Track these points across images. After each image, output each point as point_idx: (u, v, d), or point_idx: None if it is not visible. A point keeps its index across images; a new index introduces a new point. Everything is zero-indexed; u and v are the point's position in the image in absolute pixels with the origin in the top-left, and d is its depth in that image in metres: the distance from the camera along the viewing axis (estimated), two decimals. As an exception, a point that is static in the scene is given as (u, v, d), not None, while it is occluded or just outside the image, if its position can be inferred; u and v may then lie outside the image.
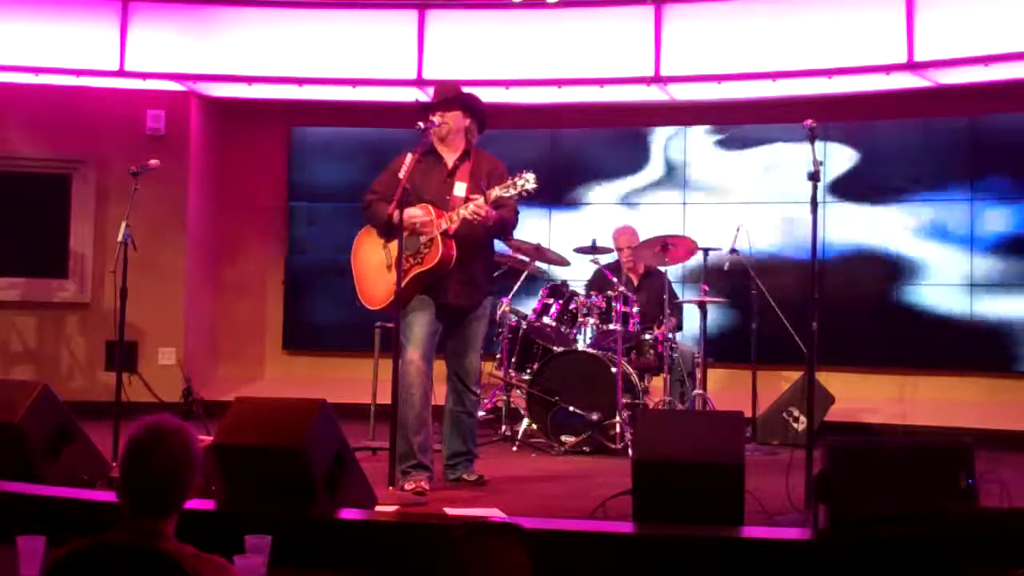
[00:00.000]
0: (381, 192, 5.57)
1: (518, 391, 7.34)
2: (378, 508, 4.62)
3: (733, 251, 7.48)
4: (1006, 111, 8.04)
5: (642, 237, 7.67)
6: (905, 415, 7.97)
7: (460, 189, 5.57)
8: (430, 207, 5.48)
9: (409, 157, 5.49)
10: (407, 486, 5.23)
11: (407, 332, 5.43)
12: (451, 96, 5.68)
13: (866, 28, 7.77)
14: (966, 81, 7.83)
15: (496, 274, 6.26)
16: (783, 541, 3.96)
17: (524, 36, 8.47)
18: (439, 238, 5.41)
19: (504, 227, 5.64)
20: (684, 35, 8.19)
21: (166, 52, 8.54)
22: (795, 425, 7.44)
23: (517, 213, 5.69)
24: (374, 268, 5.61)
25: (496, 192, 5.39)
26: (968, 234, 8.19)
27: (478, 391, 5.79)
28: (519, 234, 6.65)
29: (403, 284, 5.23)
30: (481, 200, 5.39)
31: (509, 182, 5.39)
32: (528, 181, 5.35)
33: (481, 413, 6.88)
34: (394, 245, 5.28)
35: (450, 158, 5.65)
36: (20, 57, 8.40)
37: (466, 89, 5.82)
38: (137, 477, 2.50)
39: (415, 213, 5.42)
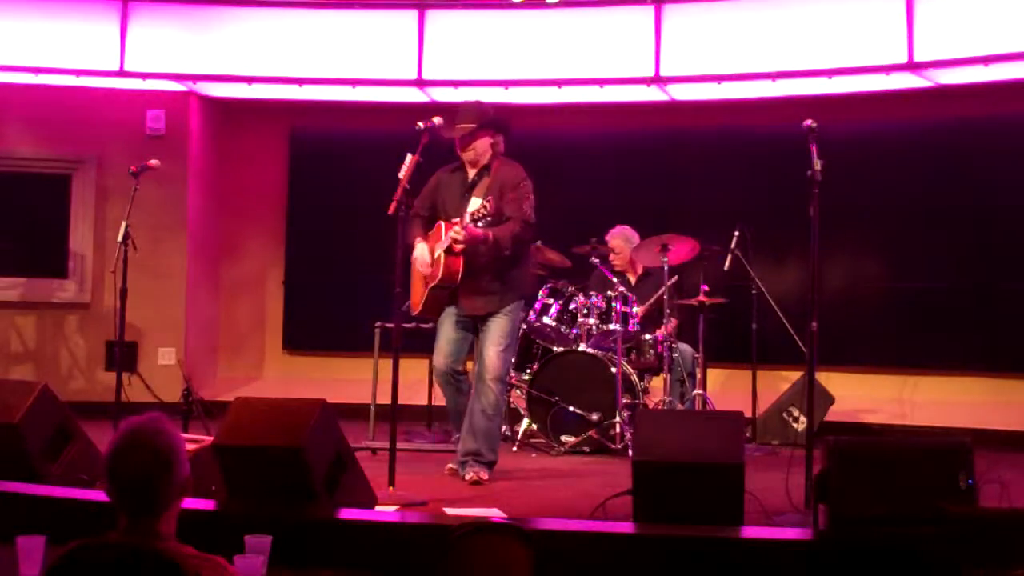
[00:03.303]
0: (417, 209, 5.86)
1: (518, 391, 7.34)
2: (378, 508, 4.62)
3: (733, 251, 7.47)
4: (1007, 110, 8.04)
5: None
6: (905, 415, 7.96)
7: (474, 205, 5.76)
8: (442, 226, 5.76)
9: (409, 158, 5.50)
10: (467, 476, 5.66)
11: (436, 339, 5.93)
12: (478, 125, 5.80)
13: (866, 28, 7.77)
14: (966, 81, 7.83)
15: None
16: (783, 541, 3.97)
17: (524, 36, 8.46)
18: (441, 256, 5.71)
19: (497, 244, 5.67)
20: (684, 35, 8.18)
21: (166, 52, 8.53)
22: (795, 425, 7.44)
23: (522, 225, 5.72)
24: (416, 276, 5.98)
25: (467, 218, 5.64)
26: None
27: (496, 387, 5.77)
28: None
29: (424, 296, 5.84)
30: (458, 226, 5.60)
31: (475, 208, 5.66)
32: (467, 216, 5.63)
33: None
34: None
35: (471, 173, 5.89)
36: (20, 57, 8.39)
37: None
38: (116, 480, 2.50)
39: (418, 256, 5.80)
